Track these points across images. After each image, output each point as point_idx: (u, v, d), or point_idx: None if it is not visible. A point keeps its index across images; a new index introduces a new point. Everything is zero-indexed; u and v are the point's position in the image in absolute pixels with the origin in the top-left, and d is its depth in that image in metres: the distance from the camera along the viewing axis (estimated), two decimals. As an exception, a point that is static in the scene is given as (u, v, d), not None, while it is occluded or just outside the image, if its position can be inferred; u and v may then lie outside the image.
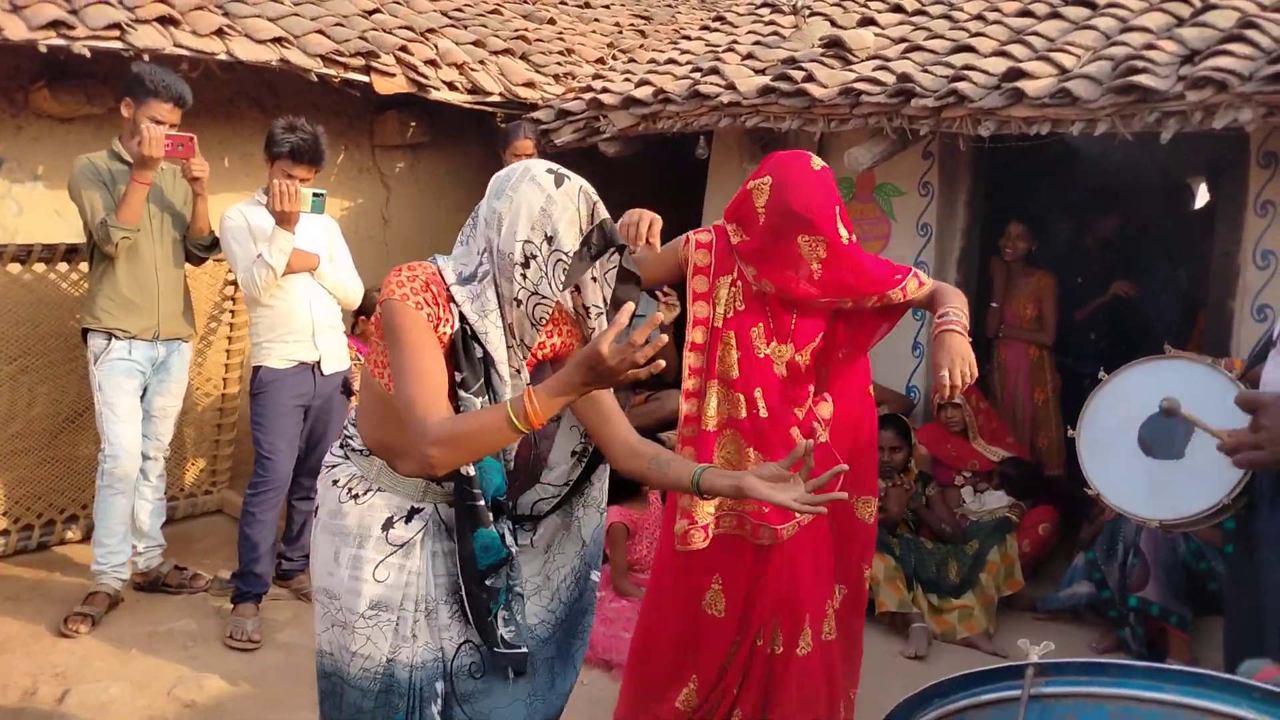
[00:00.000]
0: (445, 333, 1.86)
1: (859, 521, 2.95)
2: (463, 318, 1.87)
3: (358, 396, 2.14)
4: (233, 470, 5.14)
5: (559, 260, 1.86)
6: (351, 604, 1.97)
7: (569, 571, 2.13)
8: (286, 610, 4.16)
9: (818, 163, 2.67)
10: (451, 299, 1.87)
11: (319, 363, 4.03)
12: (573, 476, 2.11)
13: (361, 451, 2.03)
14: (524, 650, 2.02)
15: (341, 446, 2.09)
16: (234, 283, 4.85)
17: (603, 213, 1.90)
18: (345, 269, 4.22)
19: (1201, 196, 6.62)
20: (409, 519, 2.01)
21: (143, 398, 4.02)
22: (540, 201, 1.85)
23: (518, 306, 1.89)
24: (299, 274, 3.99)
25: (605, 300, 1.97)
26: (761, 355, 2.77)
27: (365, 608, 1.97)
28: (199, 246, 4.07)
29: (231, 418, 5.08)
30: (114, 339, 3.86)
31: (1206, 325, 4.40)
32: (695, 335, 2.82)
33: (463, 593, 1.99)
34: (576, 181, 1.90)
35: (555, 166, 1.92)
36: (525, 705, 2.07)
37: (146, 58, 4.07)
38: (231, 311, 5.02)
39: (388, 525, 1.99)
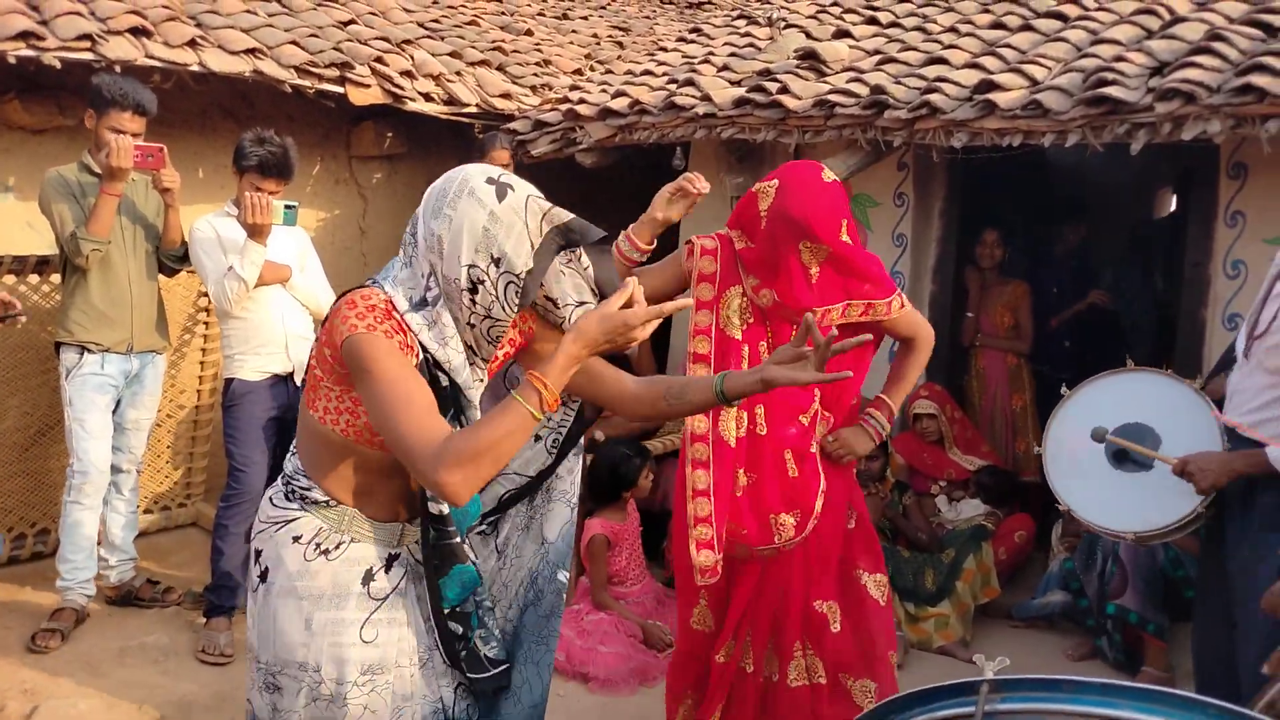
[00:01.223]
0: (412, 362, 1.71)
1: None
2: (423, 346, 1.74)
3: (298, 441, 1.90)
4: (207, 483, 5.10)
5: (509, 282, 1.70)
6: (338, 674, 1.80)
7: (525, 574, 2.01)
8: (260, 624, 4.12)
9: (830, 175, 2.65)
10: (408, 326, 1.72)
11: (292, 374, 4.00)
12: (544, 465, 1.99)
13: (324, 502, 1.83)
14: (508, 664, 1.93)
15: (290, 498, 1.86)
16: (206, 293, 4.82)
17: (560, 216, 1.71)
18: (317, 280, 4.20)
19: (1168, 206, 6.69)
20: (388, 568, 1.86)
21: (116, 410, 3.99)
22: (482, 220, 1.68)
23: (471, 329, 1.76)
24: (271, 286, 3.97)
25: (577, 291, 1.82)
26: None
27: (358, 675, 1.80)
28: (171, 258, 4.04)
29: (206, 430, 5.04)
30: (87, 352, 3.83)
31: (1179, 334, 4.43)
32: (699, 345, 2.71)
33: (436, 632, 1.87)
34: (522, 191, 1.72)
35: (497, 174, 1.73)
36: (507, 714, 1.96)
37: (118, 69, 4.05)
38: (205, 324, 4.99)
39: (368, 579, 1.83)
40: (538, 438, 1.99)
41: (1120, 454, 2.85)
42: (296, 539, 1.83)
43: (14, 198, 4.62)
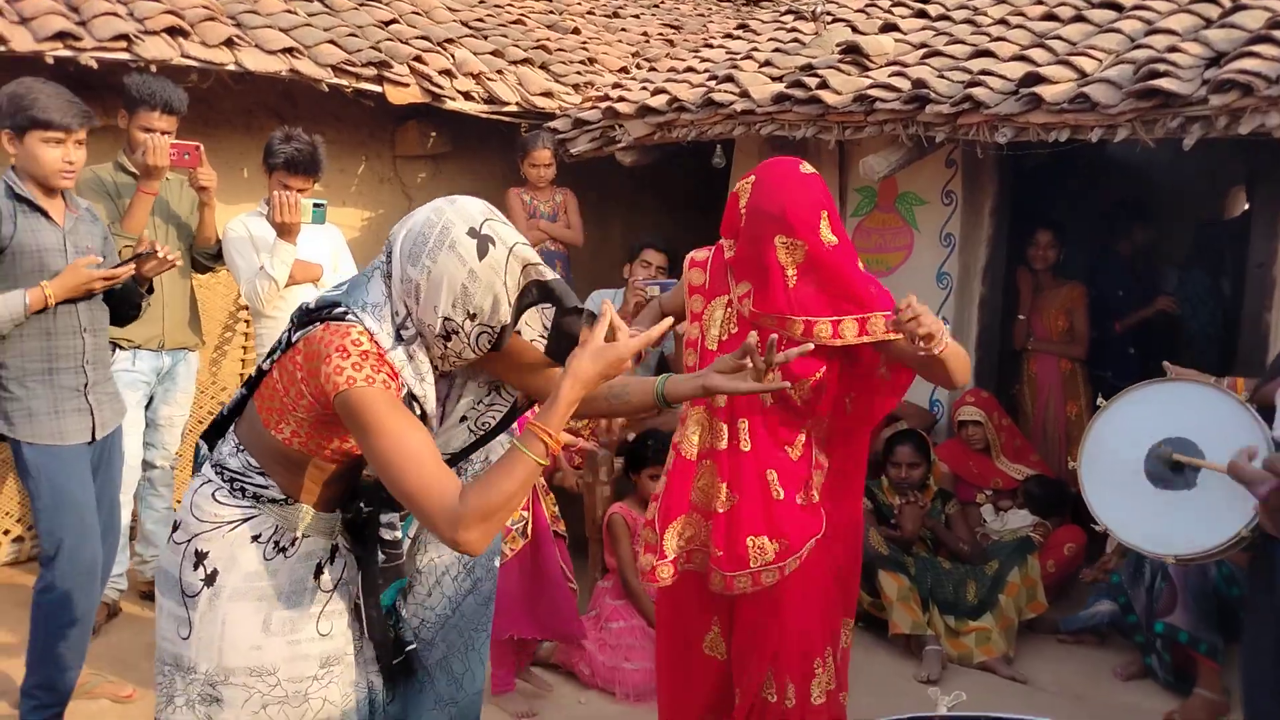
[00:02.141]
0: (398, 389, 1.71)
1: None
2: (405, 382, 1.74)
3: (243, 441, 1.85)
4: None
5: (483, 332, 1.73)
6: (298, 671, 1.80)
7: (458, 563, 2.00)
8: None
9: (807, 168, 2.53)
10: (389, 363, 1.71)
11: (324, 374, 4.00)
12: (460, 447, 1.96)
13: (282, 500, 1.81)
14: (412, 645, 1.93)
15: (240, 496, 1.82)
16: (245, 293, 4.87)
17: (543, 274, 1.73)
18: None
19: (1240, 205, 6.38)
20: (332, 559, 1.88)
21: (149, 406, 4.03)
22: (461, 277, 1.67)
23: (443, 361, 1.78)
24: (303, 285, 3.98)
25: (544, 329, 1.81)
26: None
27: (317, 669, 1.81)
28: (205, 255, 4.07)
29: (246, 428, 5.08)
30: (118, 349, 3.86)
31: (1242, 338, 4.21)
32: (688, 358, 2.67)
33: (363, 619, 1.88)
34: (504, 245, 1.70)
35: (481, 224, 1.70)
36: (434, 707, 2.00)
37: (154, 69, 4.08)
38: (246, 322, 5.03)
39: (319, 572, 1.84)
40: (463, 418, 1.94)
41: (1159, 472, 2.68)
42: (255, 538, 1.79)
43: (60, 197, 4.70)
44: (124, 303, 3.21)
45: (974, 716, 1.03)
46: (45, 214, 2.98)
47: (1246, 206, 5.96)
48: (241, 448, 1.83)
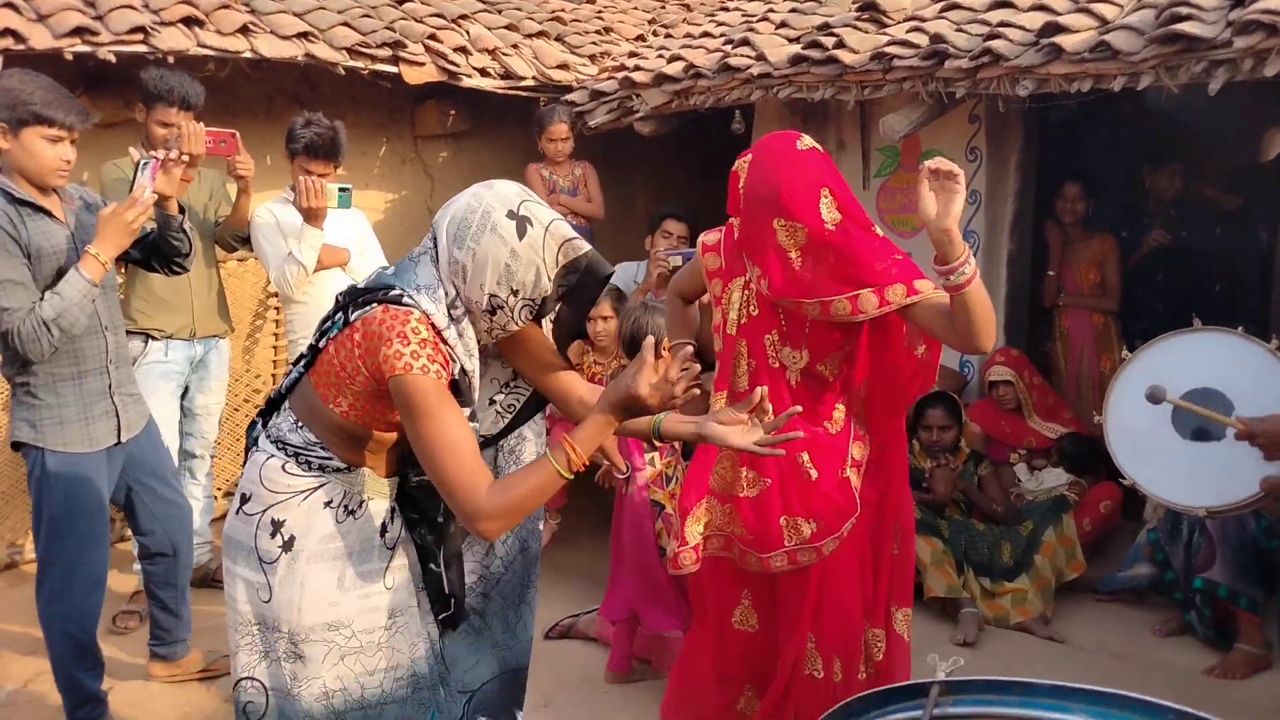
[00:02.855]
0: (450, 373, 1.87)
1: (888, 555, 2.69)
2: (457, 358, 1.90)
3: (301, 417, 2.00)
4: (283, 464, 5.21)
5: (526, 305, 1.89)
6: (369, 623, 1.98)
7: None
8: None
9: (806, 142, 2.46)
10: (445, 340, 1.87)
11: (354, 357, 4.04)
12: (493, 429, 2.12)
13: (344, 469, 1.98)
14: (461, 602, 2.13)
15: (307, 469, 1.97)
16: (274, 279, 4.91)
17: (578, 248, 1.88)
18: (377, 262, 4.23)
19: (1276, 147, 6.21)
20: (393, 518, 2.05)
21: (185, 396, 4.09)
22: (504, 257, 1.84)
23: (488, 334, 1.95)
24: (331, 269, 4.01)
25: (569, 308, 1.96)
26: (775, 365, 2.54)
27: (387, 621, 2.00)
28: (235, 237, 4.09)
29: (280, 414, 5.14)
30: (151, 340, 3.92)
31: (1274, 289, 4.12)
32: (715, 343, 2.66)
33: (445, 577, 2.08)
34: (541, 224, 1.86)
35: (519, 205, 1.86)
36: (489, 660, 2.20)
37: (172, 60, 4.11)
38: (276, 309, 5.09)
39: (384, 530, 2.02)
40: (491, 400, 2.13)
41: (1188, 423, 2.65)
42: (327, 504, 1.97)
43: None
44: (167, 244, 3.13)
45: (972, 680, 1.03)
46: (48, 213, 2.88)
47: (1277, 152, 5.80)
48: (300, 424, 1.98)
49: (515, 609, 2.23)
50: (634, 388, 1.78)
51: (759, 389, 2.08)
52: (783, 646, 2.66)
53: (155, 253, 3.17)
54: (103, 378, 3.01)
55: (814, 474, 2.51)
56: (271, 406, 2.07)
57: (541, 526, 2.28)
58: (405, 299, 1.85)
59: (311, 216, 3.81)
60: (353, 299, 1.91)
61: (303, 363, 2.00)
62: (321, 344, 1.95)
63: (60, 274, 2.83)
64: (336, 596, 1.96)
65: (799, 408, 2.13)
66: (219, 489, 4.87)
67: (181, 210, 3.19)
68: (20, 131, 2.77)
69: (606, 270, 1.90)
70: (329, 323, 1.94)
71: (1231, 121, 5.85)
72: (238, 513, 2.01)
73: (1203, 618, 3.79)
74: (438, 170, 6.01)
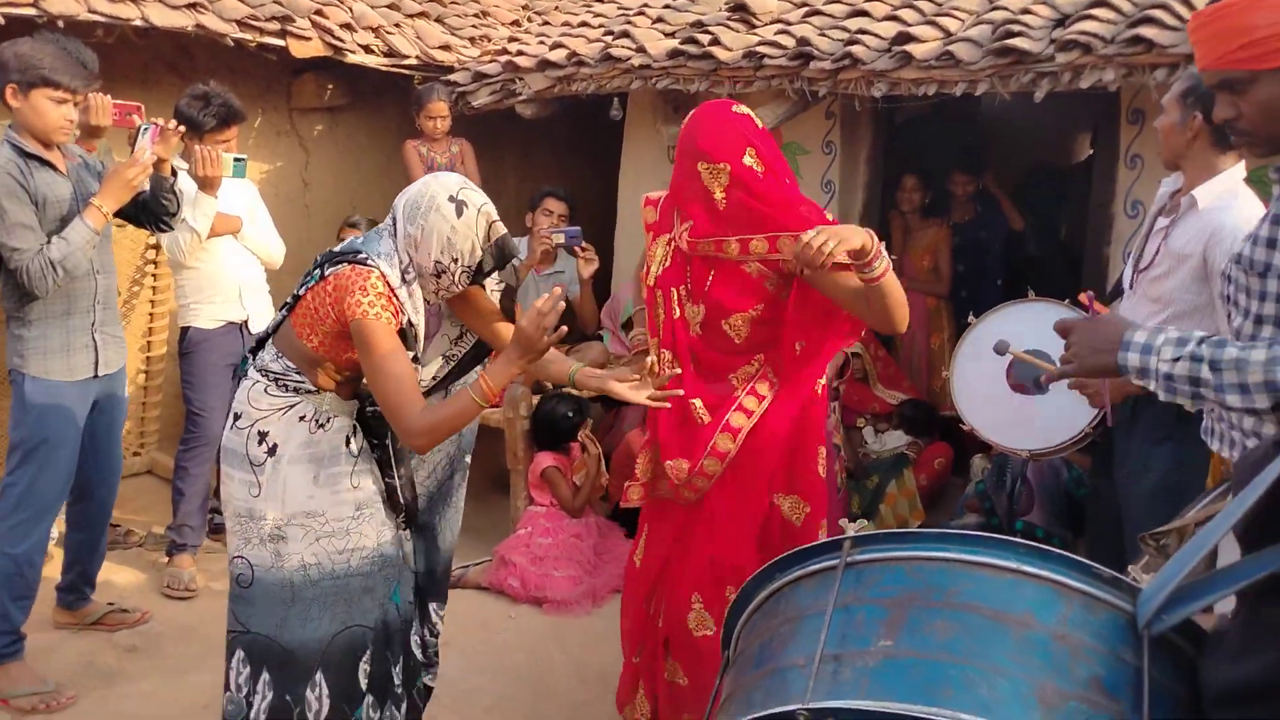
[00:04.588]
0: (400, 322, 2.32)
1: (790, 524, 2.70)
2: (406, 314, 2.35)
3: (281, 350, 2.45)
4: (160, 432, 5.22)
5: (463, 272, 2.38)
6: (340, 513, 2.42)
7: (445, 455, 2.71)
8: (221, 562, 4.26)
9: (742, 109, 2.62)
10: (397, 296, 2.32)
11: (246, 322, 4.15)
12: (439, 374, 2.63)
13: (315, 391, 2.42)
14: (416, 506, 2.63)
15: (285, 390, 2.41)
16: (155, 246, 4.92)
17: (498, 231, 2.37)
18: (267, 231, 4.34)
19: (1086, 150, 7.01)
20: (356, 433, 2.49)
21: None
22: (446, 232, 2.32)
23: (435, 296, 2.43)
24: (222, 236, 4.10)
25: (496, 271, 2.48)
26: (677, 315, 2.69)
27: (354, 511, 2.44)
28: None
29: (157, 380, 5.16)
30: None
31: (1085, 270, 4.74)
32: (636, 298, 2.89)
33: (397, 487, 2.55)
34: (475, 206, 2.35)
35: (457, 192, 2.34)
36: (424, 554, 2.71)
37: (61, 24, 4.10)
38: (154, 274, 5.08)
39: (348, 441, 2.46)
40: (443, 355, 2.66)
41: (1020, 378, 3.14)
42: (302, 418, 2.41)
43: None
44: (157, 204, 3.43)
45: (873, 534, 1.37)
46: (53, 166, 3.16)
47: (1089, 153, 6.56)
48: (280, 355, 2.43)
49: (445, 517, 2.75)
50: (519, 326, 2.24)
51: (649, 359, 2.49)
52: (664, 600, 2.79)
53: (145, 211, 3.46)
54: (88, 315, 3.29)
55: (706, 418, 2.67)
56: (259, 345, 2.52)
57: (468, 460, 2.80)
58: (369, 261, 2.32)
59: (206, 185, 3.87)
60: (328, 259, 2.37)
61: (286, 308, 2.45)
62: (300, 293, 2.40)
63: (62, 221, 3.13)
64: (312, 490, 2.39)
65: (678, 370, 2.53)
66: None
67: (174, 173, 3.47)
68: (29, 93, 3.07)
69: (514, 251, 2.41)
70: (309, 276, 2.40)
71: (1050, 128, 6.58)
72: (231, 428, 2.46)
73: (1021, 556, 4.36)
74: (313, 143, 6.07)
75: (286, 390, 2.41)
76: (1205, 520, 1.53)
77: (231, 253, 4.16)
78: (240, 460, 2.42)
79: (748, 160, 2.54)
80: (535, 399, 4.55)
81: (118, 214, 3.35)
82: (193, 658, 3.54)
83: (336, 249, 2.43)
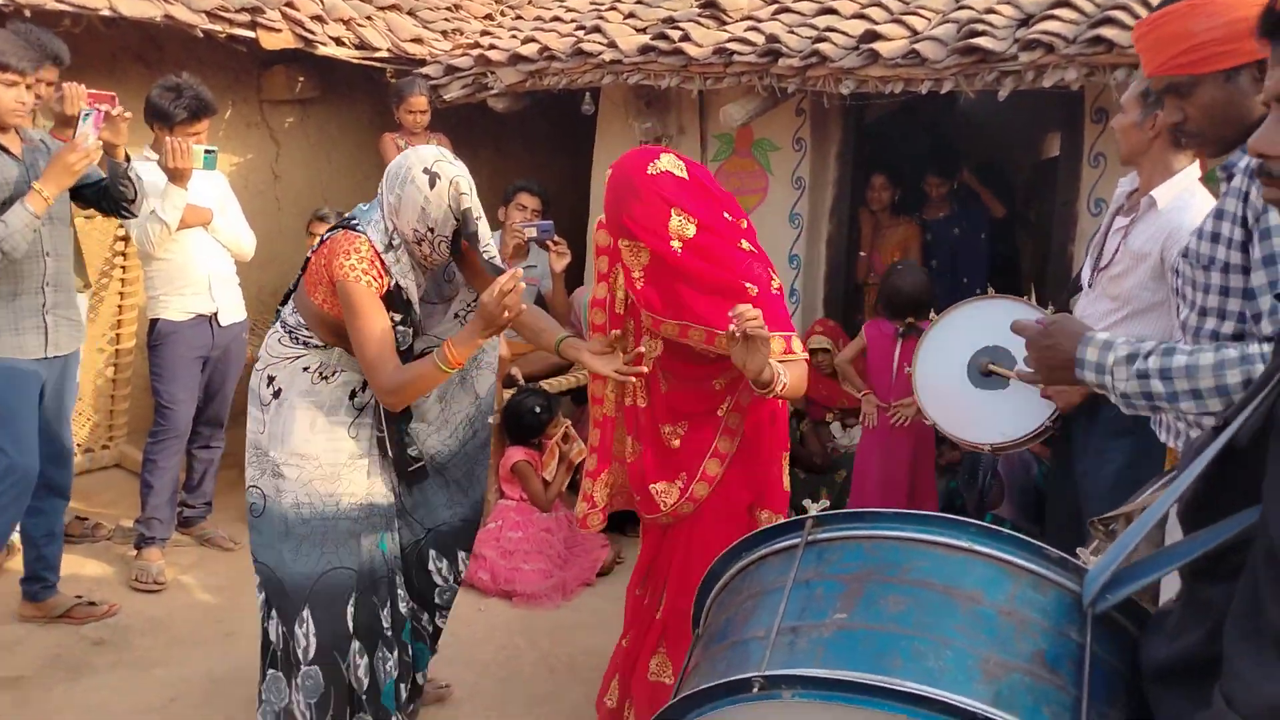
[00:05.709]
0: (384, 286, 2.50)
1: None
2: (394, 277, 2.52)
3: (297, 306, 2.68)
4: (129, 425, 5.19)
5: (441, 240, 2.54)
6: (334, 459, 2.61)
7: (464, 417, 2.90)
8: (190, 555, 4.30)
9: (659, 166, 2.40)
10: (384, 261, 2.50)
11: (216, 314, 4.14)
12: (452, 333, 2.69)
13: (322, 345, 2.63)
14: (424, 463, 2.80)
15: (295, 342, 2.63)
16: (125, 237, 4.89)
17: (466, 203, 2.50)
18: (237, 223, 4.33)
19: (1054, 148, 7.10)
20: (364, 388, 2.67)
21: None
22: (420, 202, 2.48)
23: (423, 261, 2.59)
24: (193, 228, 4.09)
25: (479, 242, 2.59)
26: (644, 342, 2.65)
27: (347, 459, 2.63)
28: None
29: (126, 373, 5.13)
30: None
31: (1050, 266, 4.81)
32: (595, 316, 2.71)
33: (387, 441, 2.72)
34: (447, 178, 2.48)
35: (432, 164, 2.48)
36: (448, 506, 2.90)
37: (28, 13, 4.08)
38: (123, 266, 5.05)
39: (353, 395, 2.66)
40: (455, 314, 2.84)
41: (979, 374, 3.19)
42: (306, 369, 2.63)
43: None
44: (116, 190, 3.42)
45: (834, 513, 1.42)
46: (4, 149, 3.16)
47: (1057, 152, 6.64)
48: (294, 310, 2.67)
49: (469, 474, 2.92)
50: (482, 300, 2.39)
51: (614, 332, 2.60)
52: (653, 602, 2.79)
53: (106, 198, 3.47)
54: (37, 296, 3.33)
55: (677, 443, 2.66)
56: (286, 298, 2.75)
57: (493, 419, 3.02)
58: (359, 227, 2.53)
59: (177, 176, 3.86)
60: (334, 228, 2.59)
61: (302, 267, 2.67)
62: (310, 255, 2.63)
63: (7, 204, 3.13)
64: (309, 435, 2.60)
65: (641, 349, 2.60)
66: (79, 444, 4.81)
67: (127, 159, 3.46)
68: None
69: (472, 226, 2.51)
70: (319, 241, 2.62)
71: (1021, 126, 6.66)
72: (255, 370, 2.70)
73: (987, 548, 4.43)
74: (284, 135, 6.06)
75: (296, 343, 2.63)
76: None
77: (201, 245, 4.14)
78: (255, 399, 2.69)
79: (674, 223, 2.36)
80: (507, 394, 4.57)
81: (83, 203, 3.38)
82: (161, 650, 3.54)
83: (346, 214, 2.64)
